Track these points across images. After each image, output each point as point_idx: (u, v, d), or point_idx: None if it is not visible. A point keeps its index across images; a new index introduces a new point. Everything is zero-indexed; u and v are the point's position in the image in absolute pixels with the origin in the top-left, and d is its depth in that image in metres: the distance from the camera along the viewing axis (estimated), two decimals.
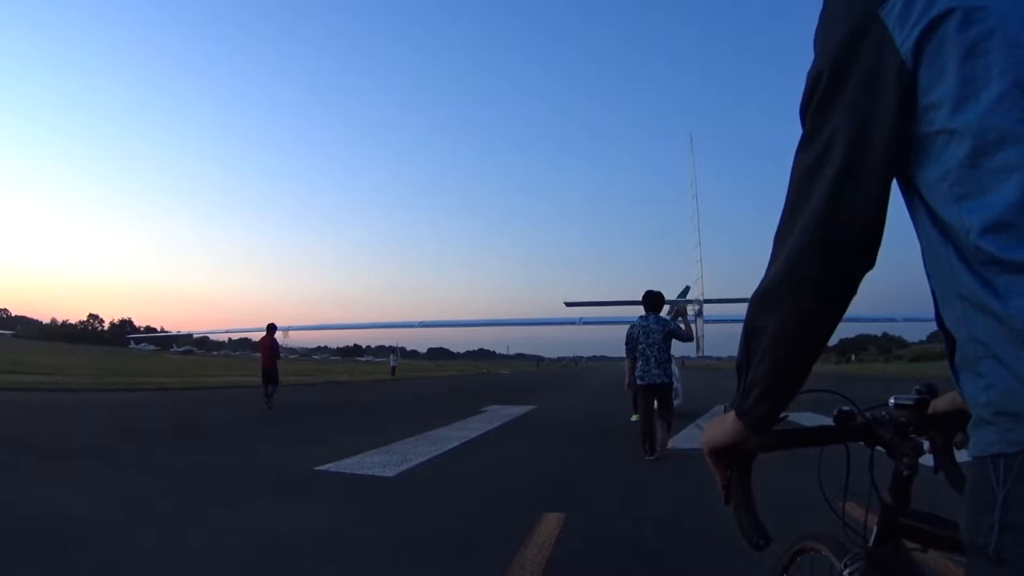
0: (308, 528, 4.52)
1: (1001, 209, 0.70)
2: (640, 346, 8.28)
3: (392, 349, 64.28)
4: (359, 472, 6.82)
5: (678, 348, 8.90)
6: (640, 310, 8.83)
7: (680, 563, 3.90)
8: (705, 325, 20.16)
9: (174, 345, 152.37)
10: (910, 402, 1.08)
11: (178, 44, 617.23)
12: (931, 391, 1.11)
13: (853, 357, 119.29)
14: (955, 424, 1.09)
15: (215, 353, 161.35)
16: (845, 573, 1.19)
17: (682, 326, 8.68)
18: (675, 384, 9.60)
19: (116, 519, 4.62)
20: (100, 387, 20.71)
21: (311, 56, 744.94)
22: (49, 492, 5.54)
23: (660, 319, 8.55)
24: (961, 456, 1.06)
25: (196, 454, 8.07)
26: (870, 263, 0.83)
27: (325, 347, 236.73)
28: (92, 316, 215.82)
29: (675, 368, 10.01)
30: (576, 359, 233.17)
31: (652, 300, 8.64)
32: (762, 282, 0.89)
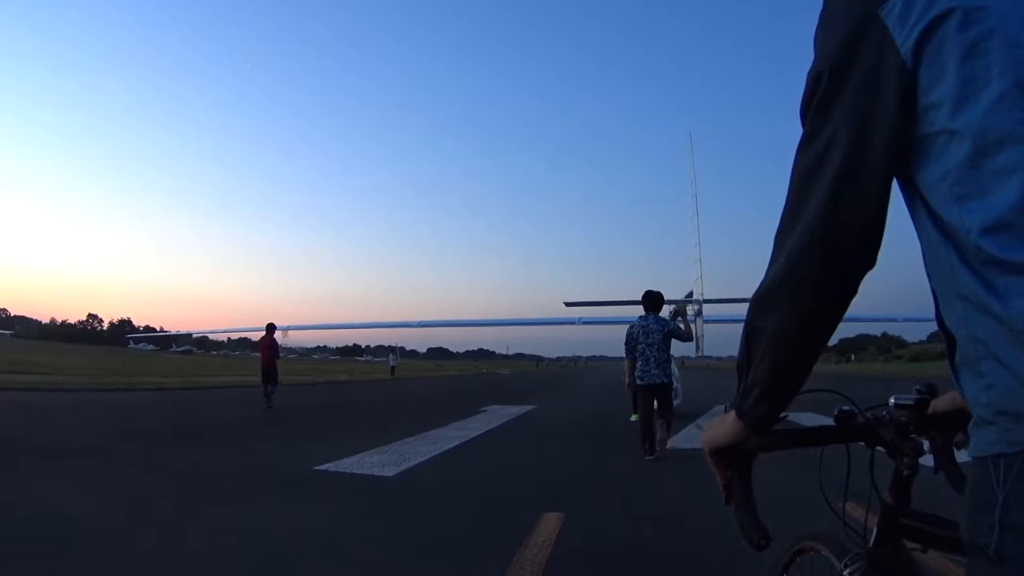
0: (307, 528, 4.51)
1: (1002, 210, 0.70)
2: (640, 346, 8.27)
3: (391, 349, 64.41)
4: (358, 472, 6.82)
5: (677, 348, 8.91)
6: (640, 310, 8.83)
7: (680, 563, 3.90)
8: (705, 325, 20.20)
9: (173, 345, 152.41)
10: (910, 402, 1.08)
11: (178, 44, 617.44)
12: (931, 391, 1.11)
13: (853, 357, 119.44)
14: (955, 424, 1.08)
15: (214, 353, 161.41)
16: (845, 573, 1.19)
17: (682, 326, 8.68)
18: (675, 384, 9.60)
19: (116, 519, 4.62)
20: (99, 387, 20.72)
21: (311, 56, 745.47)
22: (49, 492, 5.54)
23: (660, 319, 8.54)
24: (961, 456, 1.07)
25: (195, 454, 8.07)
26: (870, 263, 0.83)
27: (324, 347, 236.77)
28: (91, 316, 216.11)
29: (675, 368, 10.01)
30: (575, 359, 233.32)
31: (652, 300, 8.64)
32: (762, 283, 0.89)
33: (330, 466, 7.07)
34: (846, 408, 1.13)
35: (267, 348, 16.00)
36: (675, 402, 9.65)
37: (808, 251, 0.83)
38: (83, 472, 6.59)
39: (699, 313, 18.62)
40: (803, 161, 0.85)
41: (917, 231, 0.84)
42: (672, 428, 8.74)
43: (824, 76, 0.83)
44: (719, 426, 1.00)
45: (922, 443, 1.08)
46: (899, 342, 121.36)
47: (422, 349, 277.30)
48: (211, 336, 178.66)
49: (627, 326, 8.78)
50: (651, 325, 8.34)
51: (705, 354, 23.47)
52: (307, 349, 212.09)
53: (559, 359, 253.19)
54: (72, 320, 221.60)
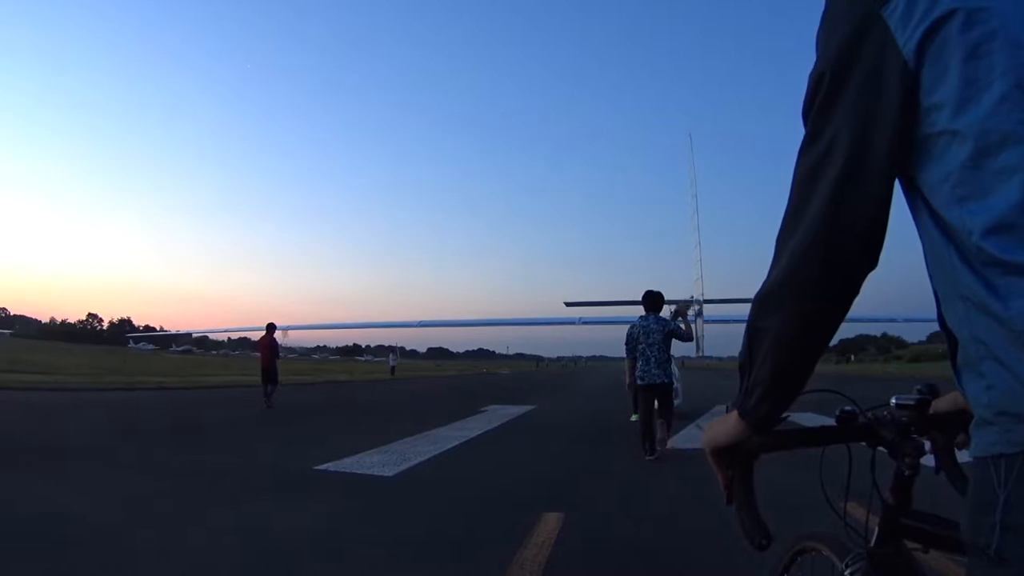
0: (307, 527, 4.52)
1: (1003, 211, 0.70)
2: (640, 346, 8.28)
3: (391, 349, 64.40)
4: (358, 472, 6.82)
5: (678, 348, 8.91)
6: (640, 310, 8.83)
7: (680, 563, 3.90)
8: (705, 325, 20.22)
9: (173, 344, 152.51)
10: (911, 402, 1.08)
11: (178, 42, 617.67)
12: (932, 391, 1.11)
13: (852, 357, 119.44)
14: (956, 424, 1.09)
15: (214, 352, 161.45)
16: (846, 573, 1.19)
17: (682, 326, 8.68)
18: (675, 384, 9.61)
19: (116, 519, 4.62)
20: (99, 386, 20.71)
21: (312, 55, 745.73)
22: (49, 492, 5.53)
23: (660, 319, 8.55)
24: (962, 456, 1.07)
25: (195, 453, 8.07)
26: (872, 264, 0.83)
27: (324, 347, 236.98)
28: (91, 315, 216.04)
29: (675, 368, 10.02)
30: (575, 359, 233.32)
31: (652, 300, 8.64)
32: (764, 283, 0.89)
33: (330, 466, 7.07)
34: (848, 408, 1.13)
35: (267, 348, 16.00)
36: (675, 402, 9.66)
37: (810, 252, 0.83)
38: (83, 472, 6.59)
39: (699, 313, 18.62)
40: (805, 162, 0.85)
41: (919, 232, 0.84)
42: (672, 428, 8.75)
43: (826, 77, 0.83)
44: (721, 426, 1.00)
45: (923, 443, 1.08)
46: (899, 342, 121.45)
47: (422, 349, 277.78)
48: (211, 336, 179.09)
49: (627, 326, 8.78)
50: (651, 325, 8.35)
51: (705, 354, 23.52)
52: (307, 349, 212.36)
53: (559, 359, 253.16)
54: (72, 319, 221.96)
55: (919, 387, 1.11)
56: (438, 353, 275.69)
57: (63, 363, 34.33)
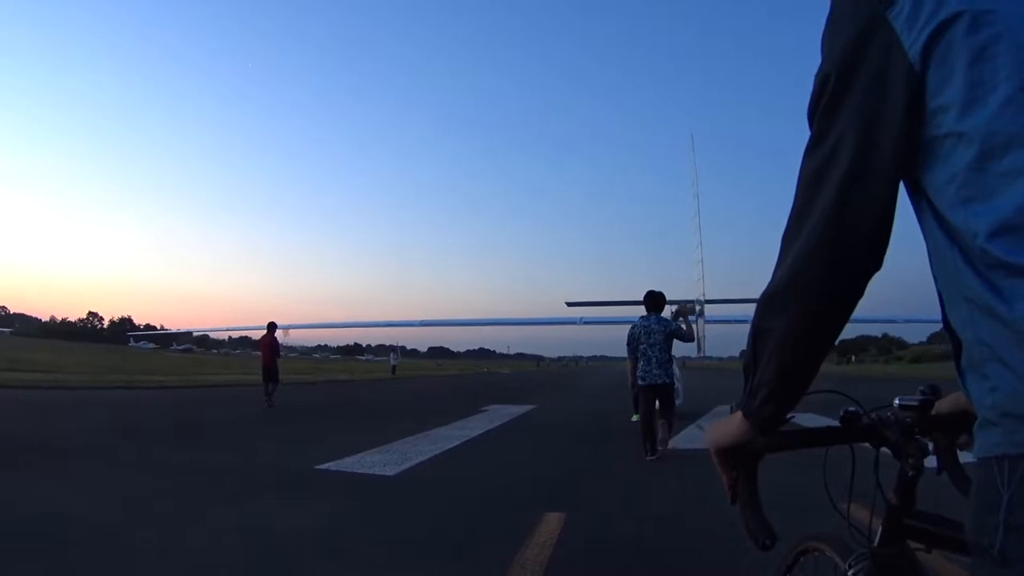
0: (308, 527, 4.52)
1: (1008, 213, 0.70)
2: (641, 346, 8.28)
3: (392, 348, 64.29)
4: (359, 471, 6.83)
5: (678, 348, 8.92)
6: (641, 310, 8.84)
7: (681, 563, 3.91)
8: (706, 325, 20.23)
9: (174, 343, 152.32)
10: (915, 403, 1.09)
11: (179, 41, 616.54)
12: (935, 392, 1.11)
13: (853, 358, 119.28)
14: (959, 425, 1.09)
15: (215, 351, 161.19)
16: (850, 573, 1.20)
17: (683, 326, 8.69)
18: (676, 384, 9.61)
19: (116, 518, 4.62)
20: (99, 385, 20.77)
21: (313, 54, 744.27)
22: (49, 491, 5.54)
23: (661, 319, 8.55)
24: (964, 457, 1.07)
25: (196, 452, 8.09)
26: (877, 265, 0.84)
27: (325, 346, 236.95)
28: (91, 314, 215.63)
29: (676, 368, 10.02)
30: (576, 359, 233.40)
31: (654, 300, 8.64)
32: (769, 284, 0.90)
33: (331, 465, 7.08)
34: (851, 409, 1.14)
35: (268, 347, 16.03)
36: (676, 402, 9.67)
37: (815, 253, 0.83)
38: (83, 471, 6.61)
39: (700, 313, 18.62)
40: (810, 163, 0.85)
41: (923, 233, 0.84)
42: (674, 429, 8.76)
43: (831, 78, 0.83)
44: (725, 426, 1.00)
45: (927, 444, 1.09)
46: (899, 343, 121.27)
47: (423, 348, 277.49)
48: (212, 334, 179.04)
49: (628, 326, 8.79)
50: (653, 325, 8.35)
51: (706, 354, 23.53)
52: (308, 348, 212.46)
53: (560, 359, 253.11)
54: (72, 318, 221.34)
55: (922, 388, 1.12)
56: (439, 352, 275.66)
57: (63, 362, 34.36)
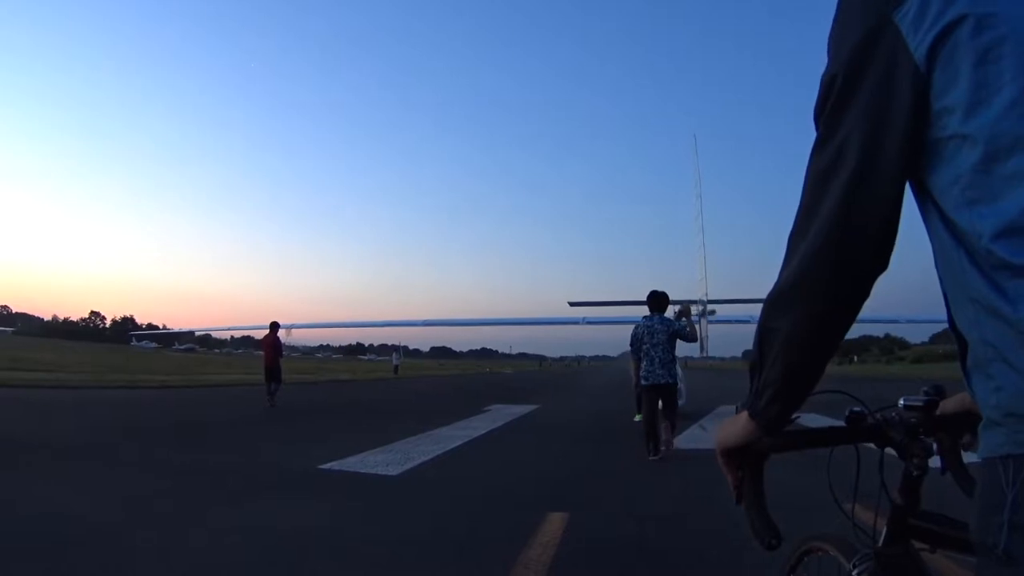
0: (310, 526, 4.53)
1: (1013, 214, 0.70)
2: (644, 346, 8.28)
3: (395, 348, 64.51)
4: (362, 471, 6.84)
5: (680, 348, 8.92)
6: (644, 310, 8.84)
7: (683, 563, 3.90)
8: (709, 325, 20.23)
9: (176, 343, 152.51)
10: (919, 403, 1.09)
11: (180, 40, 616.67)
12: (939, 393, 1.12)
13: (855, 358, 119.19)
14: (963, 425, 1.10)
15: (217, 351, 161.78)
16: (854, 573, 1.20)
17: (687, 327, 8.69)
18: (679, 384, 9.61)
19: (117, 518, 4.63)
20: (101, 384, 20.79)
21: (313, 53, 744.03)
22: (49, 491, 5.55)
23: (665, 319, 8.55)
24: (967, 458, 1.07)
25: (198, 452, 8.10)
26: (883, 266, 0.84)
27: (327, 345, 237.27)
28: (94, 313, 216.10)
29: (678, 368, 10.02)
30: (579, 359, 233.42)
31: (657, 300, 8.64)
32: (776, 285, 0.90)
33: (333, 465, 7.09)
34: (856, 409, 1.14)
35: (270, 346, 16.05)
36: (679, 402, 9.67)
37: (821, 254, 0.83)
38: (84, 471, 6.62)
39: (703, 313, 18.62)
40: (816, 164, 0.86)
41: (929, 234, 0.84)
42: (676, 428, 8.76)
43: (838, 79, 0.83)
44: (731, 427, 1.01)
45: (932, 444, 1.09)
46: (902, 343, 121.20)
47: (425, 348, 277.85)
48: (214, 334, 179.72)
49: (631, 326, 8.79)
50: (656, 325, 8.35)
51: (709, 354, 23.53)
52: (310, 348, 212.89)
53: (562, 359, 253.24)
54: (74, 317, 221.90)
55: (926, 388, 1.12)
56: (441, 352, 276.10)
57: (65, 361, 34.41)
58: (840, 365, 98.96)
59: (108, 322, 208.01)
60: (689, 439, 9.44)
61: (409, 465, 7.23)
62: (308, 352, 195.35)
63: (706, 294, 20.89)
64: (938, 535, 1.07)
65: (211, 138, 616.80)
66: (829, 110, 0.85)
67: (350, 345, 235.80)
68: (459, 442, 9.38)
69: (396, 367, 50.03)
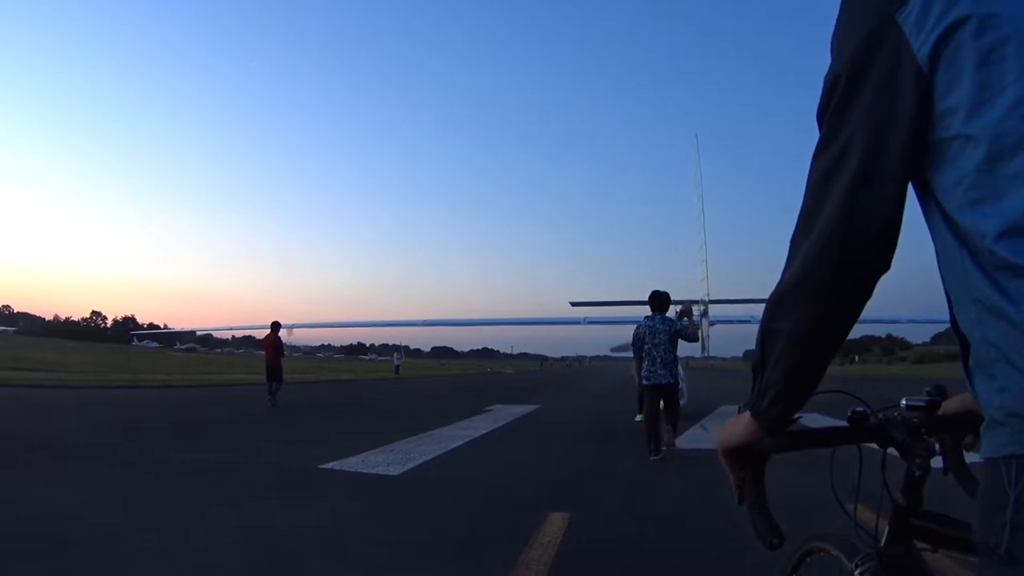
0: (311, 526, 4.53)
1: (1016, 215, 0.70)
2: (646, 346, 8.29)
3: (396, 348, 64.55)
4: (362, 471, 6.84)
5: (682, 348, 8.92)
6: (646, 310, 8.84)
7: (684, 564, 3.90)
8: (710, 326, 20.20)
9: (177, 342, 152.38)
10: (922, 403, 1.09)
11: (180, 39, 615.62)
12: (941, 393, 1.12)
13: (856, 358, 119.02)
14: (965, 426, 1.10)
15: (218, 351, 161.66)
16: (856, 573, 1.20)
17: (689, 327, 8.69)
18: (680, 384, 9.61)
19: (117, 518, 4.63)
20: (103, 384, 20.82)
21: (314, 52, 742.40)
22: (49, 491, 5.54)
23: (666, 319, 8.55)
24: (970, 458, 1.07)
25: (198, 452, 8.11)
26: (886, 266, 0.84)
27: (329, 345, 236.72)
28: (95, 313, 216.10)
29: (680, 368, 10.03)
30: (580, 359, 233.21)
31: (658, 300, 8.65)
32: (778, 285, 0.90)
33: (334, 464, 7.09)
34: (859, 409, 1.14)
35: (271, 346, 16.05)
36: (680, 402, 9.67)
37: (824, 254, 0.83)
38: (85, 470, 6.62)
39: (704, 313, 18.61)
40: (820, 164, 0.86)
41: (932, 235, 0.84)
42: (678, 429, 8.75)
43: (841, 80, 0.84)
44: (733, 427, 1.01)
45: (934, 444, 1.09)
46: (903, 344, 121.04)
47: (426, 348, 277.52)
48: (215, 334, 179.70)
49: (632, 326, 8.80)
50: (658, 325, 8.35)
51: (710, 354, 23.48)
52: (311, 347, 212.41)
53: (563, 359, 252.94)
54: (75, 317, 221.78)
55: (928, 389, 1.12)
56: (442, 352, 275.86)
57: (67, 361, 34.44)
58: (841, 365, 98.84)
59: (109, 322, 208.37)
60: (690, 439, 9.43)
61: (410, 465, 7.23)
62: (309, 352, 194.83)
63: (708, 294, 20.84)
64: (940, 535, 1.07)
65: (211, 138, 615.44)
66: (832, 110, 0.85)
67: (351, 345, 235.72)
68: (460, 442, 9.39)
69: (397, 367, 50.14)
